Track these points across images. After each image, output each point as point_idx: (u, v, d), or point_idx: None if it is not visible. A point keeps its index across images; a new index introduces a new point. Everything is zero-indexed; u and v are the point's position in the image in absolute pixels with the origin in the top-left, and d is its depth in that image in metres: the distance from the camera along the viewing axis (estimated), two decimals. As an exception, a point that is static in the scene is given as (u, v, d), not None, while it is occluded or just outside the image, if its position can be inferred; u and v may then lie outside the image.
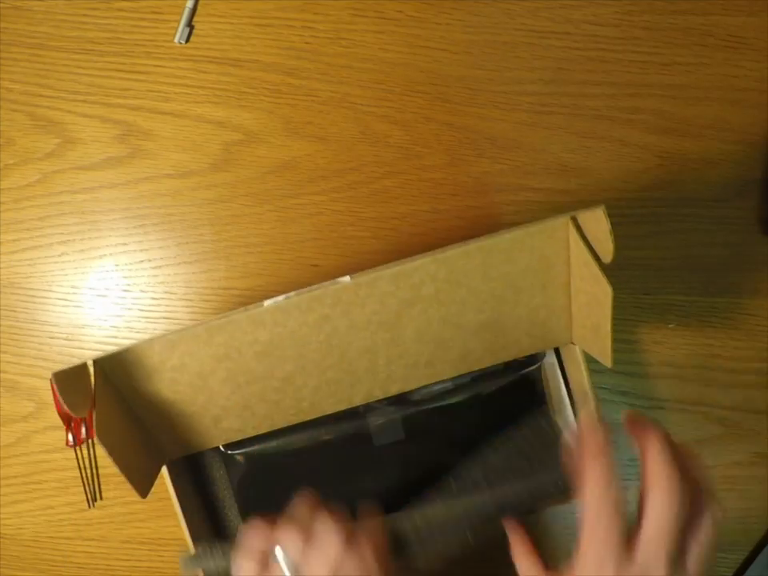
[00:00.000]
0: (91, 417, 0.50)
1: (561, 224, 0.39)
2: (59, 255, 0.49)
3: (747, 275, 0.50)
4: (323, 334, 0.41)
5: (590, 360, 0.44)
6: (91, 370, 0.38)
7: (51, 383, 0.49)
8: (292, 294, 0.39)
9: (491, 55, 0.48)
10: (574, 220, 0.39)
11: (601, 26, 0.48)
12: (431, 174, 0.49)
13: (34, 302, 0.50)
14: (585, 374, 0.43)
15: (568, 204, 0.49)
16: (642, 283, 0.50)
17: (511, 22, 0.48)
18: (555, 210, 0.49)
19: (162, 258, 0.49)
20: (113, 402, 0.39)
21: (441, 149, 0.49)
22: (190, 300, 0.50)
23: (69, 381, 0.36)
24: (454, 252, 0.39)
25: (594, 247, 0.38)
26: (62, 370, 0.36)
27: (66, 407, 0.36)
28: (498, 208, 0.49)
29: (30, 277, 0.50)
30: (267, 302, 0.39)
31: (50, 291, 0.50)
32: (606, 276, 0.36)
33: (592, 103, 0.49)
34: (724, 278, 0.50)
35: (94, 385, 0.38)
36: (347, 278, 0.38)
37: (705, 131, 0.49)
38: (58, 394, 0.36)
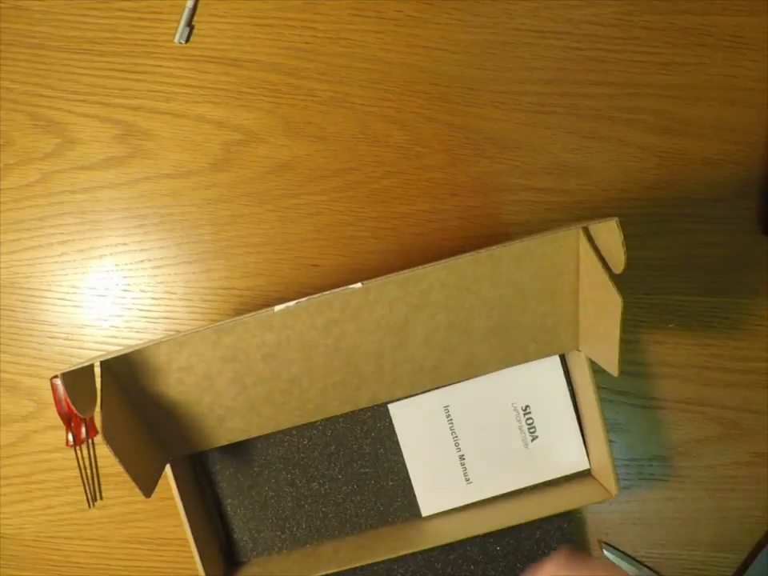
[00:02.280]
0: (91, 417, 0.50)
1: (571, 234, 0.39)
2: (59, 255, 0.49)
3: (747, 275, 0.50)
4: (331, 338, 0.41)
5: (592, 363, 0.44)
6: (97, 370, 0.38)
7: (51, 383, 0.49)
8: (303, 300, 0.39)
9: (491, 55, 0.48)
10: (586, 230, 0.39)
11: (601, 25, 0.48)
12: (431, 173, 0.49)
13: (34, 302, 0.50)
14: (590, 380, 0.44)
15: (568, 204, 0.49)
16: (642, 283, 0.50)
17: (511, 21, 0.48)
18: (555, 209, 0.49)
19: (161, 258, 0.49)
20: (119, 403, 0.39)
21: (441, 149, 0.49)
22: (190, 300, 0.50)
23: (76, 381, 0.36)
24: (463, 259, 0.39)
25: (604, 257, 0.38)
26: (70, 370, 0.36)
27: (73, 407, 0.36)
28: (498, 208, 0.49)
29: (30, 277, 0.50)
30: (278, 307, 0.39)
31: (50, 291, 0.50)
32: (617, 286, 0.36)
33: (592, 103, 0.49)
34: (724, 277, 0.50)
35: (101, 385, 0.38)
36: (359, 285, 0.38)
37: (705, 131, 0.49)
38: (66, 394, 0.36)
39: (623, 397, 0.50)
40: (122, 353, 0.38)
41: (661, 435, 0.50)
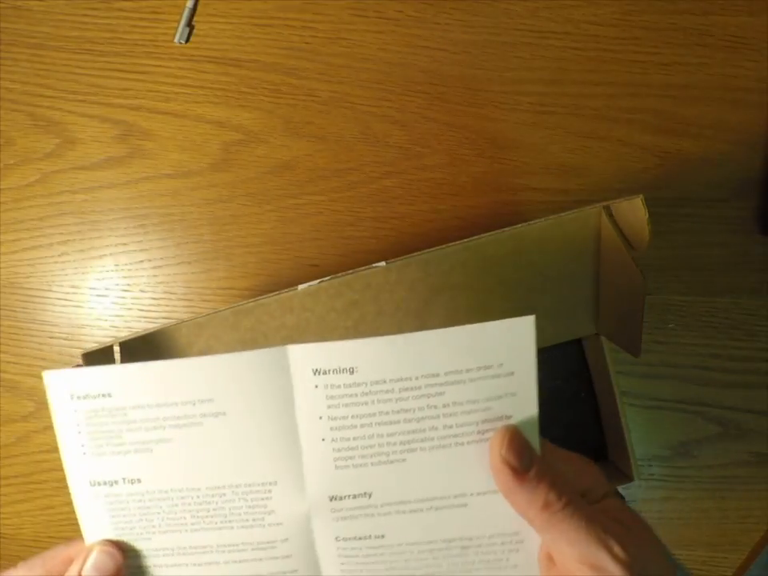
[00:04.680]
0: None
1: (593, 213, 0.39)
2: (59, 255, 0.49)
3: (747, 275, 0.50)
4: (351, 320, 0.40)
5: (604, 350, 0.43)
6: (117, 352, 0.38)
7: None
8: (326, 278, 0.38)
9: (491, 55, 0.48)
10: (607, 209, 0.39)
11: (601, 25, 0.48)
12: (431, 173, 0.49)
13: (34, 302, 0.50)
14: (609, 364, 0.43)
15: (568, 204, 0.49)
16: (641, 283, 0.50)
17: (511, 22, 0.48)
18: (555, 210, 0.49)
19: (162, 258, 0.49)
20: None
21: (441, 149, 0.49)
22: (190, 300, 0.50)
23: (97, 363, 0.36)
24: (485, 239, 0.39)
25: (627, 237, 0.38)
26: (91, 350, 0.36)
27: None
28: (498, 208, 0.49)
29: (30, 277, 0.50)
30: (301, 286, 0.39)
31: (50, 291, 0.50)
32: (639, 267, 0.36)
33: (592, 103, 0.49)
34: (724, 277, 0.50)
35: None
36: (383, 263, 0.38)
37: (705, 131, 0.49)
38: None
39: (623, 397, 0.50)
40: (143, 333, 0.38)
41: (661, 435, 0.50)
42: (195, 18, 0.48)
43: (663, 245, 0.49)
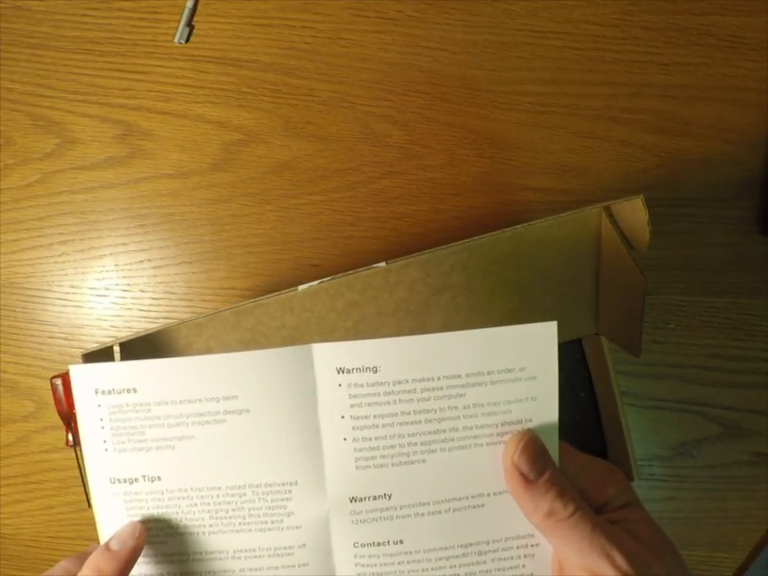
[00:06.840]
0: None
1: (593, 214, 0.39)
2: (59, 255, 0.49)
3: (747, 275, 0.50)
4: (350, 321, 0.41)
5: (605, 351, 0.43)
6: (117, 352, 0.38)
7: (51, 383, 0.49)
8: (326, 279, 0.38)
9: (491, 55, 0.48)
10: (607, 209, 0.39)
11: (601, 25, 0.48)
12: (431, 173, 0.49)
13: (34, 302, 0.50)
14: (609, 364, 0.43)
15: (568, 204, 0.49)
16: (641, 283, 0.50)
17: (511, 22, 0.48)
18: (555, 210, 0.49)
19: (161, 258, 0.49)
20: None
21: (441, 149, 0.49)
22: (190, 300, 0.50)
23: (96, 362, 0.36)
24: (485, 240, 0.39)
25: (627, 237, 0.38)
26: (91, 351, 0.36)
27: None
28: (498, 208, 0.49)
29: (30, 277, 0.50)
30: (301, 287, 0.39)
31: (50, 291, 0.50)
32: (639, 267, 0.36)
33: (592, 103, 0.49)
34: (724, 277, 0.50)
35: None
36: (383, 264, 0.38)
37: (705, 131, 0.49)
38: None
39: (623, 397, 0.50)
40: (143, 333, 0.38)
41: (661, 435, 0.50)
42: (195, 18, 0.48)
43: (663, 245, 0.50)
